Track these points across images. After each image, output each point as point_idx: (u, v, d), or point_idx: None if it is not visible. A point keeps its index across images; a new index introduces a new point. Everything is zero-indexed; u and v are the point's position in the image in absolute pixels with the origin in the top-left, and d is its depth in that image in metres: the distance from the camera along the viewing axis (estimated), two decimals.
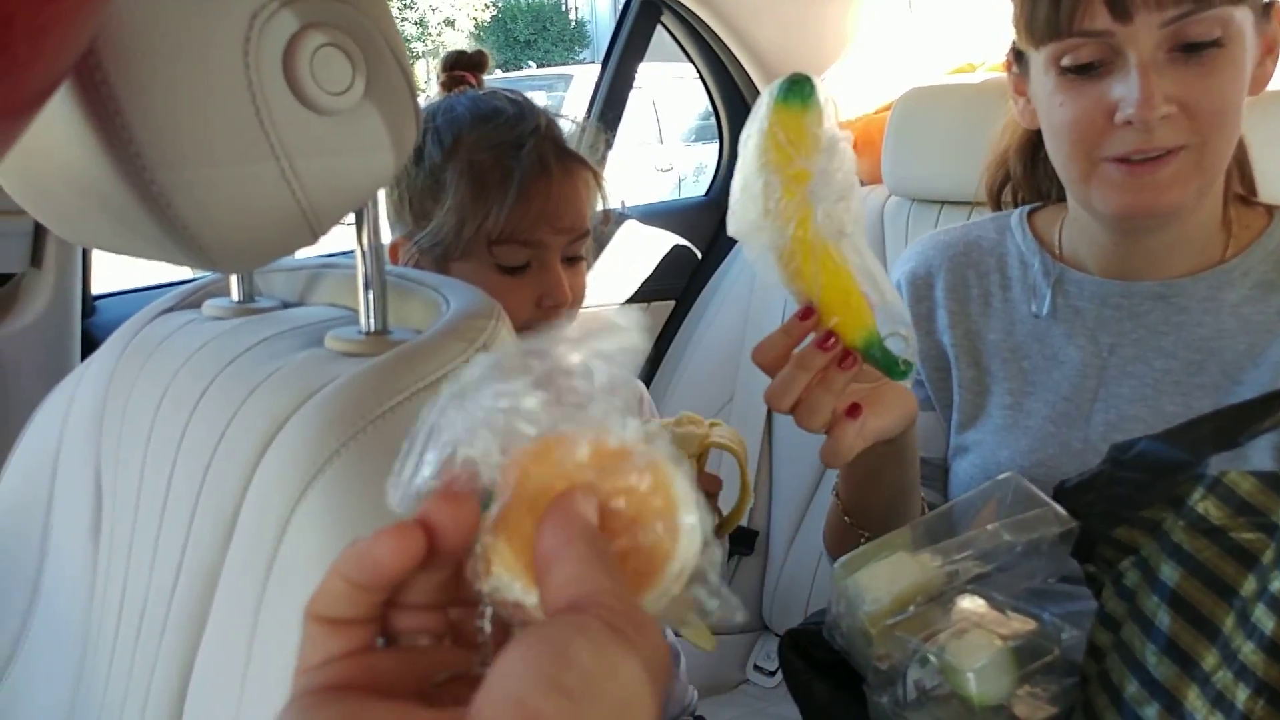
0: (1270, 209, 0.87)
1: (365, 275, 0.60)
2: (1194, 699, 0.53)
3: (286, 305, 0.72)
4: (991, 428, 0.90)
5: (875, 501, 0.81)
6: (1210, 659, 0.53)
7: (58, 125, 0.48)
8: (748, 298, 1.71)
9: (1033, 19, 0.77)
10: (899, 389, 0.72)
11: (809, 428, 0.68)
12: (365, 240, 0.60)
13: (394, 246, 0.96)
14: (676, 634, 1.15)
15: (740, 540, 1.61)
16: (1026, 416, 0.88)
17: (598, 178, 0.99)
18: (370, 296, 0.60)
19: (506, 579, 0.30)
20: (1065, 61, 0.76)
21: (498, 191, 0.90)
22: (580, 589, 0.26)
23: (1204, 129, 0.75)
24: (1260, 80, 0.79)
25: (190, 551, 0.56)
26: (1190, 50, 0.73)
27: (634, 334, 0.32)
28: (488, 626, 0.30)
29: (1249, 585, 0.53)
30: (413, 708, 0.26)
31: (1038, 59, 0.80)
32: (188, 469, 0.58)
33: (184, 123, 0.46)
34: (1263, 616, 0.52)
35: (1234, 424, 0.57)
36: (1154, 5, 0.70)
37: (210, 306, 0.70)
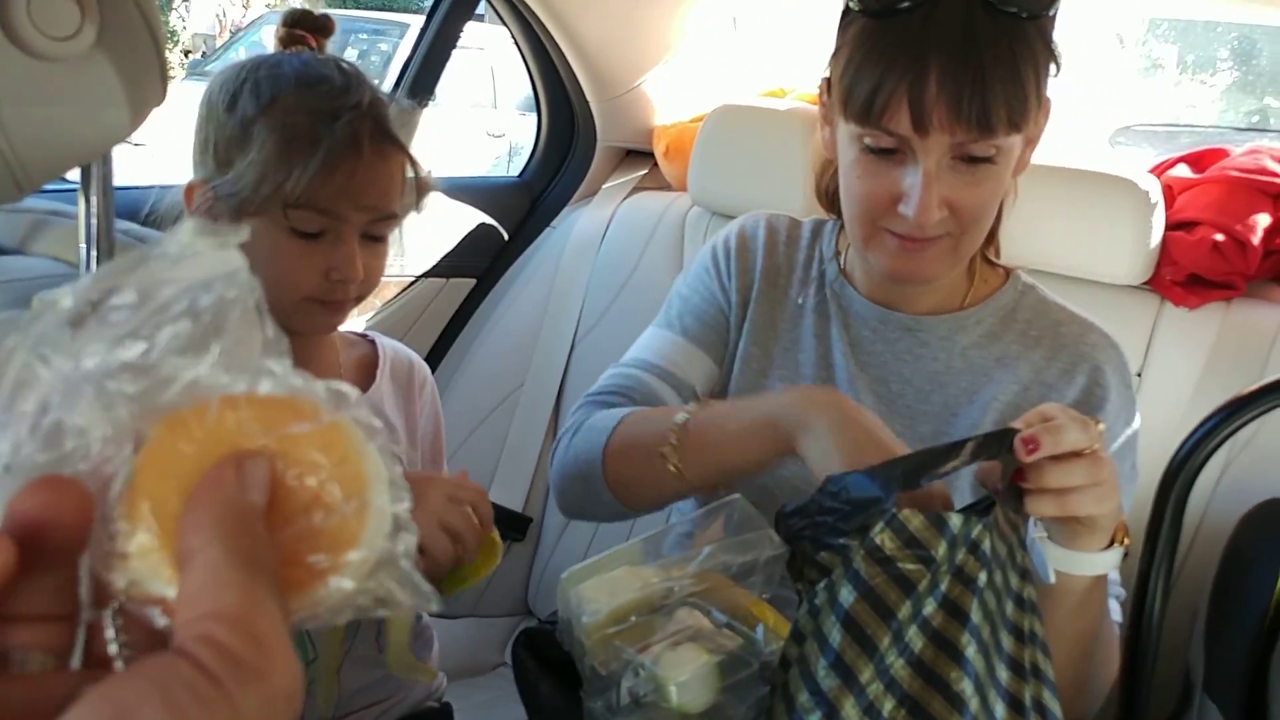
0: (1008, 272, 0.98)
1: (88, 234, 0.55)
2: (849, 708, 0.59)
3: (3, 251, 0.66)
4: None
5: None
6: (867, 673, 0.59)
7: None
8: (550, 285, 1.71)
9: (848, 100, 0.82)
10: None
11: None
12: (94, 198, 0.55)
13: (190, 188, 0.92)
14: (436, 614, 1.14)
15: (513, 525, 1.61)
16: None
17: (414, 163, 0.96)
18: (93, 257, 0.56)
19: (146, 570, 0.25)
20: (867, 142, 0.83)
21: (303, 157, 0.87)
22: (204, 605, 0.23)
23: (964, 224, 0.84)
24: (1021, 166, 0.89)
25: None
26: (969, 161, 0.81)
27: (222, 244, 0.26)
28: (112, 634, 0.25)
29: (905, 609, 0.59)
30: None
31: (844, 126, 0.85)
32: None
33: None
34: (914, 637, 0.58)
35: (920, 467, 0.63)
36: (947, 129, 0.78)
37: None
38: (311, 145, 0.87)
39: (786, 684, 0.62)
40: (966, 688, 0.58)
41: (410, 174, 0.96)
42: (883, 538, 0.61)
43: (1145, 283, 1.30)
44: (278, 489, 0.26)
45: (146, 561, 0.25)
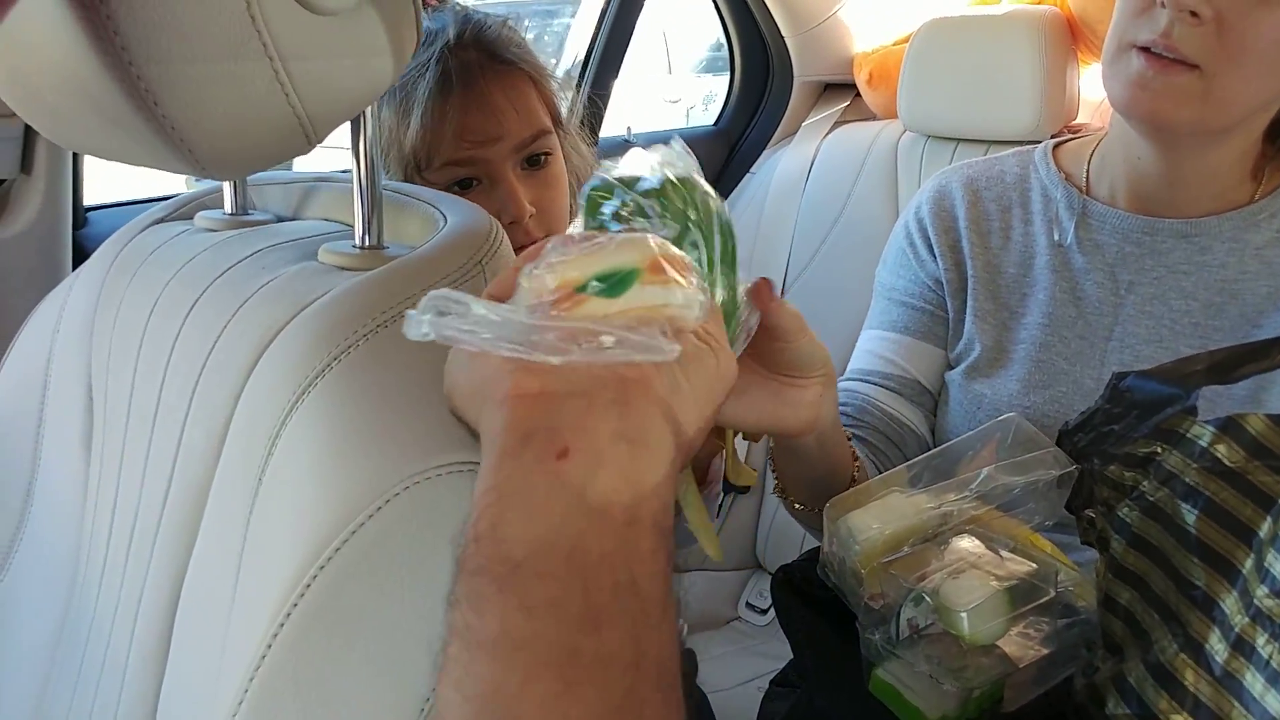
0: None
1: (360, 187, 0.58)
2: (1215, 641, 0.52)
3: (280, 219, 0.71)
4: (1004, 361, 0.89)
5: (795, 475, 0.81)
6: (1229, 601, 0.52)
7: (42, 18, 0.45)
8: (754, 232, 1.68)
9: None
10: (791, 395, 0.60)
11: None
12: (362, 150, 0.58)
13: None
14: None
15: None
16: (1041, 351, 0.87)
17: (538, 75, 0.92)
18: (365, 209, 0.59)
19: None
20: None
21: (409, 117, 0.85)
22: None
23: (1221, 57, 0.72)
24: None
25: (181, 463, 0.55)
26: None
27: None
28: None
29: (1266, 528, 0.52)
30: None
31: None
32: (178, 380, 0.56)
33: (172, 17, 0.43)
34: (1273, 560, 0.50)
35: (1231, 361, 0.55)
36: None
37: (202, 218, 0.68)
38: (411, 104, 0.84)
39: (1130, 613, 0.56)
40: None
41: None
42: (1221, 447, 0.53)
43: None
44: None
45: None
